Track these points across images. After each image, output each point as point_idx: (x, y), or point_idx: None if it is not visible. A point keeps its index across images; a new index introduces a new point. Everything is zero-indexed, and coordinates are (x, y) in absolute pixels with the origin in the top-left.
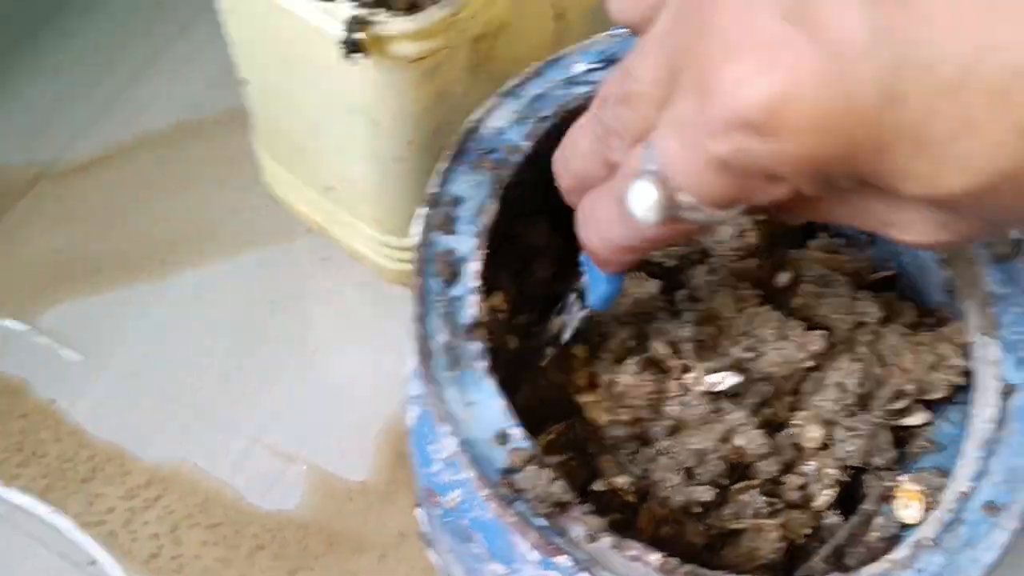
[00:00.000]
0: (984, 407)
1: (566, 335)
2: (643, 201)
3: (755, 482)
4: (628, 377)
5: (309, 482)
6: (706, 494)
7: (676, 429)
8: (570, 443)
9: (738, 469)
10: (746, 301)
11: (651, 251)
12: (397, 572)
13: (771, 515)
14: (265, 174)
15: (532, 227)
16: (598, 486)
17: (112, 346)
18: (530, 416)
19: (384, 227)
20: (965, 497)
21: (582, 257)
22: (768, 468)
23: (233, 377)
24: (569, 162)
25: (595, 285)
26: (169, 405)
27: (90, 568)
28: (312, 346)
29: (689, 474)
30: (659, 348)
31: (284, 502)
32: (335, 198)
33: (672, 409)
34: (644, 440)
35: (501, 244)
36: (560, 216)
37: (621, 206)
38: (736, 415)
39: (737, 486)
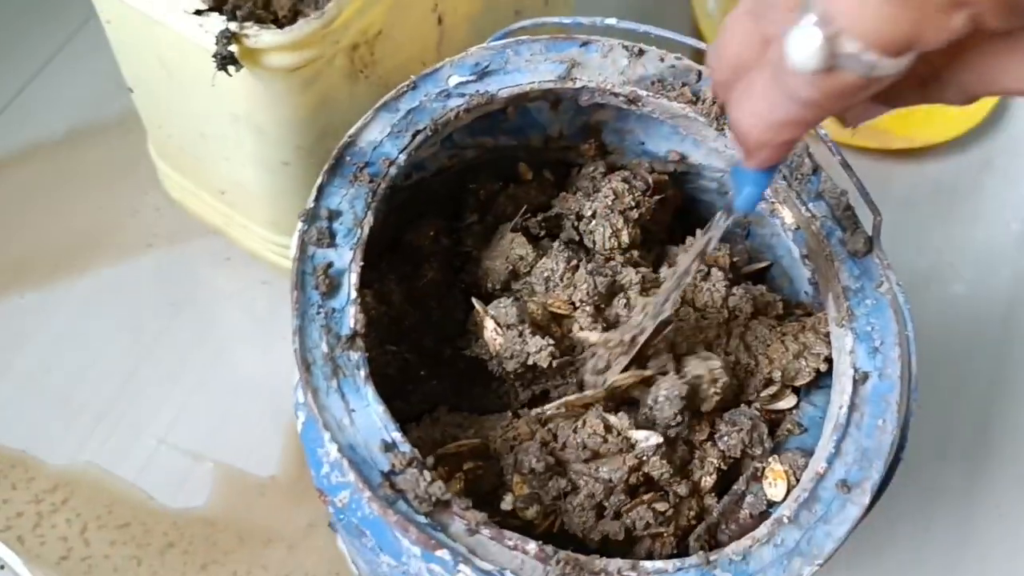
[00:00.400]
0: (839, 392)
1: (712, 246)
2: (804, 47)
3: (647, 498)
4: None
5: (217, 479)
6: (616, 530)
7: (590, 458)
8: (480, 452)
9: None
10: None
11: (804, 129)
12: (307, 562)
13: (664, 523)
14: (161, 177)
15: (418, 231)
16: (506, 504)
17: (10, 353)
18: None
19: (280, 228)
20: (820, 476)
21: (732, 168)
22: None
23: (136, 378)
24: (723, 49)
25: (741, 187)
26: (72, 409)
27: (1, 572)
28: (215, 345)
29: (599, 510)
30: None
31: (192, 500)
32: (229, 201)
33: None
34: (556, 459)
35: (388, 250)
36: (447, 219)
37: (778, 69)
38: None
39: (628, 505)
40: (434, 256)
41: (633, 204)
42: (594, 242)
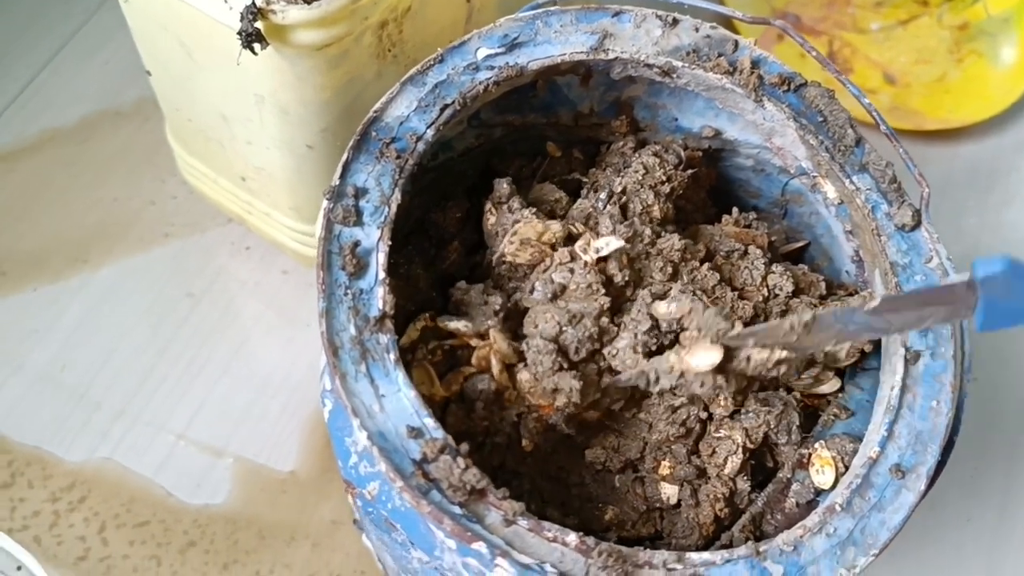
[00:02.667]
0: (890, 373)
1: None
2: None
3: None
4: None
5: (237, 475)
6: (573, 383)
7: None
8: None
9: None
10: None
11: None
12: (332, 560)
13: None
14: (180, 165)
15: (445, 212)
16: (445, 323)
17: (26, 347)
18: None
19: (303, 215)
20: (872, 461)
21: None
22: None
23: (154, 373)
24: None
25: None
26: (89, 405)
27: (17, 573)
28: (235, 337)
29: (560, 347)
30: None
31: (213, 497)
32: (251, 188)
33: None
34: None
35: (413, 232)
36: (472, 200)
37: None
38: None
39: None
40: (459, 238)
41: (664, 179)
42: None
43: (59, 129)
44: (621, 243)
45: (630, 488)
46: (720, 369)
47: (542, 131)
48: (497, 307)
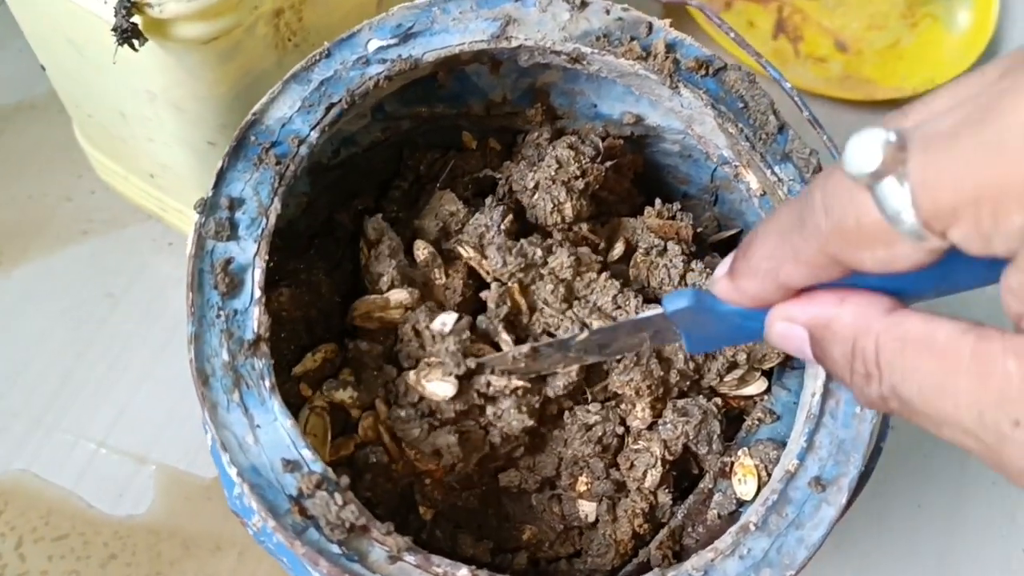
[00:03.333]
0: (812, 378)
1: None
2: (865, 152)
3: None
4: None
5: (160, 483)
6: (448, 439)
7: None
8: (341, 364)
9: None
10: (585, 266)
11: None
12: (258, 570)
13: (615, 503)
14: (92, 162)
15: (348, 210)
16: (331, 392)
17: None
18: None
19: None
20: (791, 475)
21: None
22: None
23: (73, 378)
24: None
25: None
26: (4, 414)
27: None
28: (157, 338)
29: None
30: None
31: (135, 507)
32: (160, 185)
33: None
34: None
35: (319, 232)
36: (385, 193)
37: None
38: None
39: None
40: (359, 236)
41: (578, 173)
42: (536, 217)
43: None
44: (454, 317)
45: (547, 507)
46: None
47: (453, 121)
48: (387, 378)
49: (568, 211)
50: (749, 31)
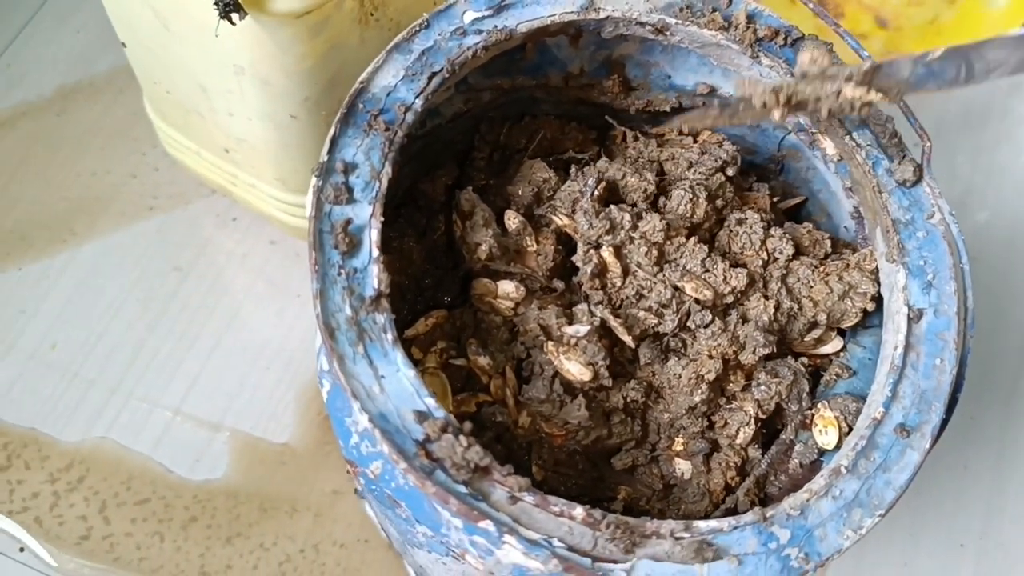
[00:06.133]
0: (893, 332)
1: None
2: None
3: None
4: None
5: (235, 449)
6: (579, 413)
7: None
8: (451, 332)
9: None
10: (675, 231)
11: None
12: (334, 530)
13: (707, 457)
14: (161, 137)
15: (434, 182)
16: (475, 357)
17: (15, 327)
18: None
19: (288, 186)
20: (877, 422)
21: None
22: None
23: (146, 349)
24: None
25: None
26: (82, 383)
27: (20, 555)
28: (226, 310)
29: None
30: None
31: (212, 471)
32: (234, 159)
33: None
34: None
35: (403, 204)
36: (461, 167)
37: None
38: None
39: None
40: (449, 207)
41: (704, 179)
42: (665, 206)
43: (33, 103)
44: (587, 328)
45: (646, 468)
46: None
47: (531, 93)
48: (516, 353)
49: (700, 211)
50: (791, 9)
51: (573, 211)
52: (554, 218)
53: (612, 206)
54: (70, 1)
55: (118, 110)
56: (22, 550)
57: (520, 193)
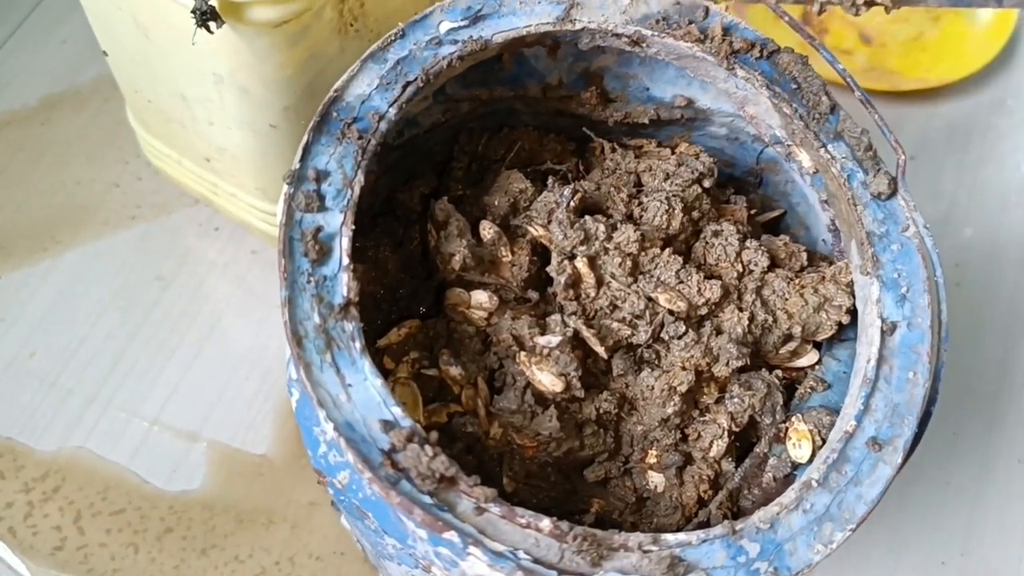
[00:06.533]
0: (866, 345)
1: None
2: None
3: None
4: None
5: (212, 460)
6: (551, 424)
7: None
8: (424, 342)
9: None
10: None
11: None
12: (311, 542)
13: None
14: (142, 146)
15: (411, 191)
16: (446, 368)
17: None
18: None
19: (268, 196)
20: (849, 435)
21: None
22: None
23: (125, 358)
24: None
25: None
26: (60, 393)
27: None
28: (206, 319)
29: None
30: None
31: (189, 482)
32: (215, 169)
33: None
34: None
35: (380, 214)
36: (440, 178)
37: None
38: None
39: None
40: (425, 217)
41: (680, 190)
42: (640, 218)
43: (18, 112)
44: (560, 338)
45: (618, 481)
46: None
47: (509, 104)
48: (488, 364)
49: (675, 223)
50: (776, 24)
51: (549, 222)
52: (530, 228)
53: (587, 217)
54: (57, 12)
55: (103, 120)
56: None
57: (496, 203)
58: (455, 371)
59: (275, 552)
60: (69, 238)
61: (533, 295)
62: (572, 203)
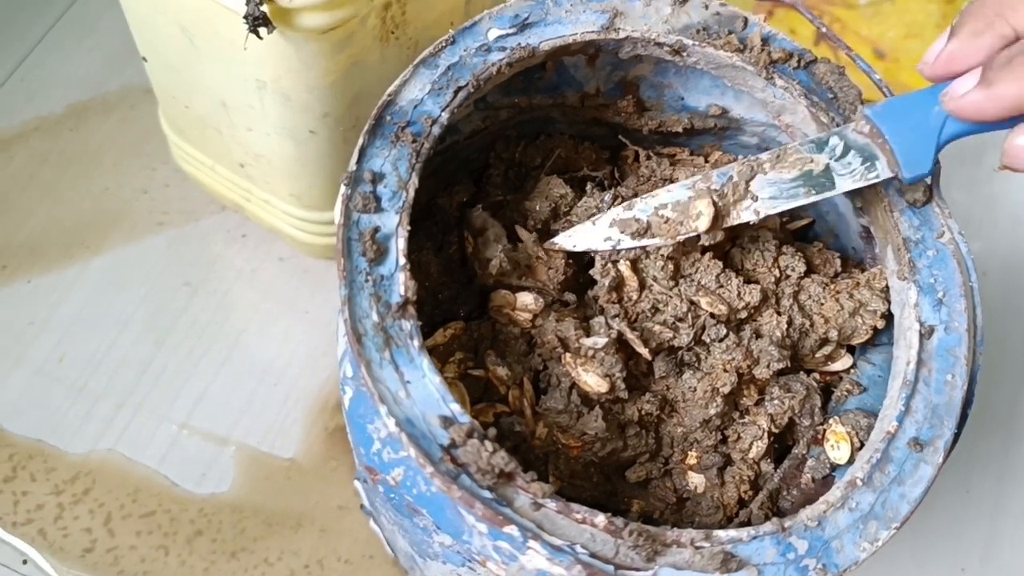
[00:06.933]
0: (905, 348)
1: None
2: None
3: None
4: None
5: (241, 464)
6: (596, 424)
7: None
8: (469, 344)
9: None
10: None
11: None
12: (339, 546)
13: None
14: (173, 152)
15: (451, 197)
16: (494, 368)
17: (24, 340)
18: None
19: (303, 202)
20: (891, 436)
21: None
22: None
23: (155, 363)
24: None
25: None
26: (90, 396)
27: (24, 568)
28: (234, 325)
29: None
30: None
31: (218, 486)
32: (249, 175)
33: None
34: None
35: (421, 216)
36: (477, 184)
37: None
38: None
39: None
40: (462, 224)
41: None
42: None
43: (46, 118)
44: (606, 339)
45: (659, 482)
46: None
47: (547, 112)
48: (533, 365)
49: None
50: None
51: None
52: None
53: None
54: (84, 20)
55: (130, 127)
56: (25, 562)
57: (538, 208)
58: (502, 371)
59: (304, 555)
60: (98, 244)
61: (571, 298)
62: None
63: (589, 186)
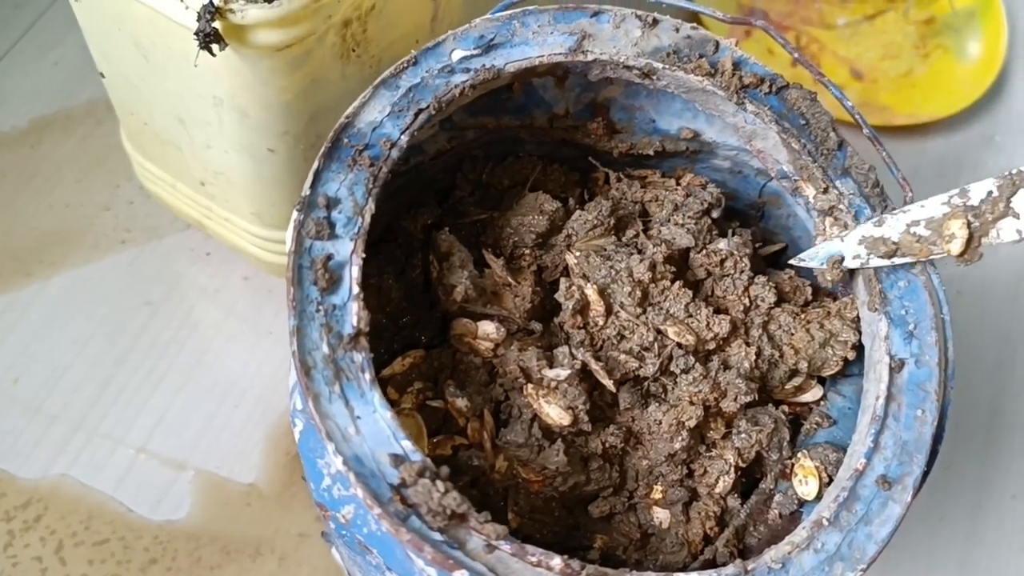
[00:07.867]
0: (875, 382)
1: None
2: None
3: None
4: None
5: (199, 489)
6: (558, 458)
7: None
8: (428, 373)
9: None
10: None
11: None
12: (299, 575)
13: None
14: (136, 170)
15: (415, 219)
16: (452, 399)
17: None
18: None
19: (264, 221)
20: (859, 473)
21: None
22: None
23: (112, 384)
24: None
25: None
26: (44, 419)
27: None
28: (196, 346)
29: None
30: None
31: (175, 512)
32: (210, 193)
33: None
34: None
35: (383, 238)
36: (442, 205)
37: None
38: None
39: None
40: (426, 246)
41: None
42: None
43: (8, 133)
44: (569, 371)
45: (623, 517)
46: None
47: (515, 133)
48: (494, 396)
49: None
50: (769, 59)
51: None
52: (569, 258)
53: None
54: (50, 34)
55: (94, 143)
56: None
57: (529, 222)
58: (461, 403)
59: None
60: (58, 262)
61: (536, 327)
62: (610, 220)
63: (571, 202)
